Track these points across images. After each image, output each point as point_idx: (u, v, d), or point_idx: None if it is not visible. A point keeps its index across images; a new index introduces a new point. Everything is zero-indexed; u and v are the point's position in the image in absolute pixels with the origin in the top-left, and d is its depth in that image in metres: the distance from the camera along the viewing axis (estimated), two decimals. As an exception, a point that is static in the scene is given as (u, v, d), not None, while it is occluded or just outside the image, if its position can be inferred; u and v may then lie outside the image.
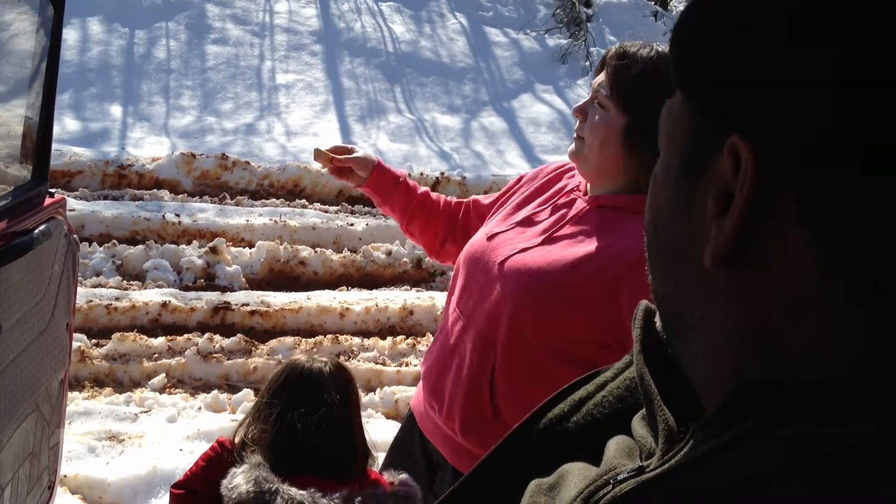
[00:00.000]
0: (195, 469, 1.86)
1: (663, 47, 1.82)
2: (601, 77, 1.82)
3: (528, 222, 1.92)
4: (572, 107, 1.94)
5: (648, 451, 0.65)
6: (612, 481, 0.62)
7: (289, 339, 4.77)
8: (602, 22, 11.68)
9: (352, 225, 6.35)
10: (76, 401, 4.00)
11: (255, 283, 5.62)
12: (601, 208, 1.84)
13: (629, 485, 0.60)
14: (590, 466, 0.71)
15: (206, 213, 6.24)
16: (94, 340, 4.58)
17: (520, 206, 2.00)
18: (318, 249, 5.94)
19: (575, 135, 1.85)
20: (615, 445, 0.69)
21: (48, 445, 2.12)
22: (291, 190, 7.19)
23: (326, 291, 5.49)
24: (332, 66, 9.61)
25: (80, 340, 4.46)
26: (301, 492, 1.67)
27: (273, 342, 4.75)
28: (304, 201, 6.94)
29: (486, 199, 2.21)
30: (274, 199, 6.87)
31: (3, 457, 1.83)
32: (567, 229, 1.84)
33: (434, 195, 2.27)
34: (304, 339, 4.82)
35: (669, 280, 0.64)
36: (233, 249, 5.80)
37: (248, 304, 5.08)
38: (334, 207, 6.90)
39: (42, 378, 2.00)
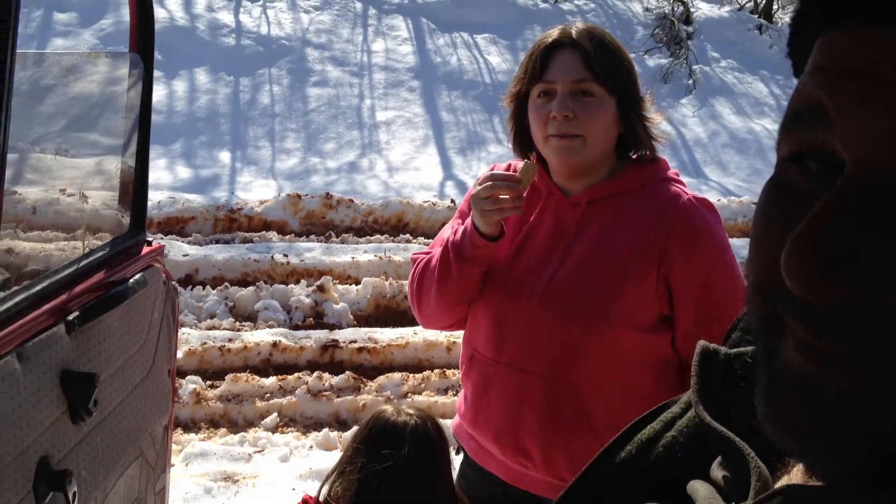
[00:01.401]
0: None
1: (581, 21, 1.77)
2: (560, 68, 1.74)
3: (527, 246, 1.84)
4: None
5: (733, 496, 0.59)
6: None
7: (396, 375, 4.76)
8: (703, 38, 11.41)
9: (456, 257, 6.34)
10: (192, 442, 4.09)
11: (363, 320, 5.66)
12: (595, 202, 1.79)
13: None
14: None
15: (312, 252, 6.34)
16: (209, 382, 4.68)
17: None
18: (423, 283, 5.93)
19: (564, 136, 1.74)
20: (704, 489, 0.63)
21: (154, 491, 2.14)
22: (395, 225, 7.25)
23: (433, 326, 5.46)
24: (431, 100, 9.71)
25: (195, 382, 4.57)
26: None
27: (381, 378, 4.75)
28: (407, 236, 6.98)
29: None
30: (378, 235, 6.94)
31: (108, 503, 1.86)
32: (578, 237, 1.79)
33: None
34: (411, 375, 4.81)
35: None
36: (339, 287, 5.86)
37: (355, 341, 5.11)
38: (438, 240, 6.90)
39: (146, 424, 2.03)
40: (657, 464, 0.69)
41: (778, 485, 0.56)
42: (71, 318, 1.66)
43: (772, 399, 0.48)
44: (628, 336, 1.75)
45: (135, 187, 2.09)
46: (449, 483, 1.83)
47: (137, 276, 1.92)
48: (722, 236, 1.77)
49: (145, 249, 2.08)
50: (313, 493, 1.86)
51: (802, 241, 0.43)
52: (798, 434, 0.46)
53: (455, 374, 4.83)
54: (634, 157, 1.84)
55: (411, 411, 1.85)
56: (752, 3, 12.32)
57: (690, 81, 10.42)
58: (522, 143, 1.89)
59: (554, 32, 1.80)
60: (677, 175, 1.87)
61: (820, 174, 0.46)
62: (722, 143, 9.64)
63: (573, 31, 1.77)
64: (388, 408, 1.87)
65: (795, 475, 0.56)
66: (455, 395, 4.70)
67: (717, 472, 0.63)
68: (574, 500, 0.73)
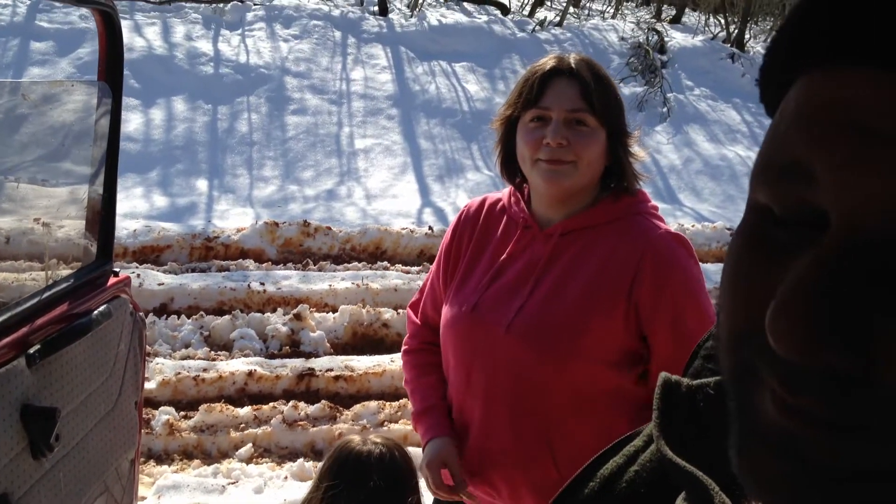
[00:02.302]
0: None
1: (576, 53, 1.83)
2: (556, 97, 1.76)
3: (499, 277, 1.85)
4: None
5: None
6: None
7: (373, 404, 4.73)
8: (678, 67, 11.54)
9: (433, 284, 6.33)
10: (165, 474, 4.03)
11: (340, 348, 5.62)
12: (567, 234, 1.80)
13: None
14: None
15: (289, 280, 6.31)
16: (182, 413, 4.63)
17: (475, 262, 1.91)
18: (400, 311, 5.92)
19: (554, 162, 1.75)
20: None
21: (120, 526, 2.10)
22: (373, 253, 7.23)
23: (410, 353, 5.43)
24: (409, 128, 9.74)
25: (168, 413, 4.51)
26: None
27: (357, 407, 4.71)
28: (385, 263, 6.96)
29: (428, 296, 2.08)
30: (356, 263, 6.91)
31: (70, 541, 1.82)
32: (549, 268, 1.80)
33: (433, 372, 2.06)
34: (388, 403, 4.77)
35: None
36: (317, 315, 5.83)
37: (332, 370, 5.07)
38: (416, 268, 6.90)
39: (111, 458, 1.99)
40: (620, 500, 0.68)
41: None
42: (32, 352, 1.63)
43: (746, 452, 0.46)
44: (593, 369, 1.75)
45: (102, 216, 2.07)
46: None
47: (102, 308, 1.90)
48: (693, 271, 1.76)
49: (112, 280, 2.06)
50: None
51: (790, 303, 0.41)
52: (776, 490, 0.45)
53: (432, 403, 4.80)
54: (614, 187, 1.85)
55: (378, 440, 1.85)
56: (724, 33, 12.48)
57: (665, 109, 10.52)
58: (509, 166, 1.90)
59: (550, 61, 1.80)
60: (656, 209, 1.87)
61: (800, 227, 0.44)
62: (696, 170, 9.72)
63: (571, 61, 1.78)
64: (355, 437, 1.87)
65: None
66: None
67: None
68: None
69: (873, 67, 0.40)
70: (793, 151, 0.43)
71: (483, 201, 1.99)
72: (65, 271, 1.95)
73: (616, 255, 1.75)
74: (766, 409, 0.44)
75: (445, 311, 1.92)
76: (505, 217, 1.91)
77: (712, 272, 5.82)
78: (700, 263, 1.84)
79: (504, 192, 1.97)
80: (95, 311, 1.85)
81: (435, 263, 2.04)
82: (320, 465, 1.87)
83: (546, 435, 1.77)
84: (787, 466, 0.43)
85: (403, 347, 2.13)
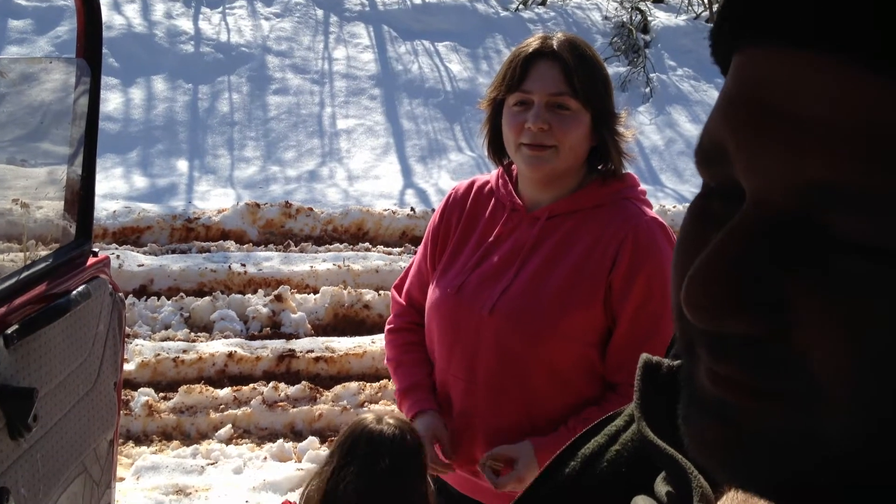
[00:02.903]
0: None
1: (562, 32, 1.82)
2: (538, 80, 1.75)
3: (485, 259, 1.86)
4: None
5: None
6: None
7: (353, 385, 4.74)
8: (661, 47, 11.54)
9: (415, 265, 6.33)
10: (144, 455, 4.03)
11: (321, 329, 5.62)
12: (554, 218, 1.81)
13: None
14: None
15: (271, 261, 6.29)
16: (161, 394, 4.62)
17: (462, 244, 1.92)
18: (381, 292, 5.92)
19: (535, 147, 1.75)
20: None
21: (99, 507, 2.11)
22: (355, 234, 7.22)
23: (391, 334, 5.44)
24: (392, 108, 9.70)
25: (147, 395, 4.50)
26: None
27: (338, 388, 4.72)
28: (367, 244, 6.95)
29: (414, 278, 2.08)
30: (338, 244, 6.90)
31: (49, 522, 1.82)
32: (534, 251, 1.81)
33: (420, 357, 2.07)
34: (368, 384, 4.78)
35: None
36: (297, 296, 5.82)
37: (312, 351, 5.07)
38: (398, 249, 6.90)
39: (89, 439, 1.99)
40: (601, 479, 0.68)
41: (721, 501, 0.56)
42: (9, 332, 1.62)
43: (688, 419, 0.48)
44: (574, 350, 1.76)
45: (80, 196, 2.05)
46: (423, 495, 1.81)
47: (81, 288, 1.89)
48: (669, 258, 1.77)
49: (91, 260, 2.04)
50: (291, 499, 1.84)
51: (700, 273, 0.42)
52: (713, 456, 0.47)
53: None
54: (602, 170, 1.85)
55: (391, 421, 1.85)
56: (707, 13, 12.48)
57: (647, 89, 10.53)
58: (497, 148, 1.90)
59: (535, 41, 1.79)
60: (644, 194, 1.87)
61: (731, 201, 0.45)
62: (678, 151, 9.75)
63: (554, 42, 1.77)
64: (369, 416, 1.87)
65: (736, 492, 0.56)
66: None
67: (660, 487, 0.62)
68: None
69: (786, 46, 0.41)
70: (713, 130, 0.45)
71: (472, 184, 1.99)
72: (43, 252, 1.94)
73: (601, 241, 1.77)
74: (701, 378, 0.46)
75: (431, 292, 1.93)
76: (493, 199, 1.92)
77: (692, 254, 5.84)
78: None
79: (492, 175, 1.97)
80: (74, 292, 1.85)
81: (422, 245, 2.05)
82: (334, 440, 1.89)
83: (527, 412, 1.80)
84: (721, 432, 0.45)
85: (387, 326, 2.13)
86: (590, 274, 1.75)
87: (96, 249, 2.11)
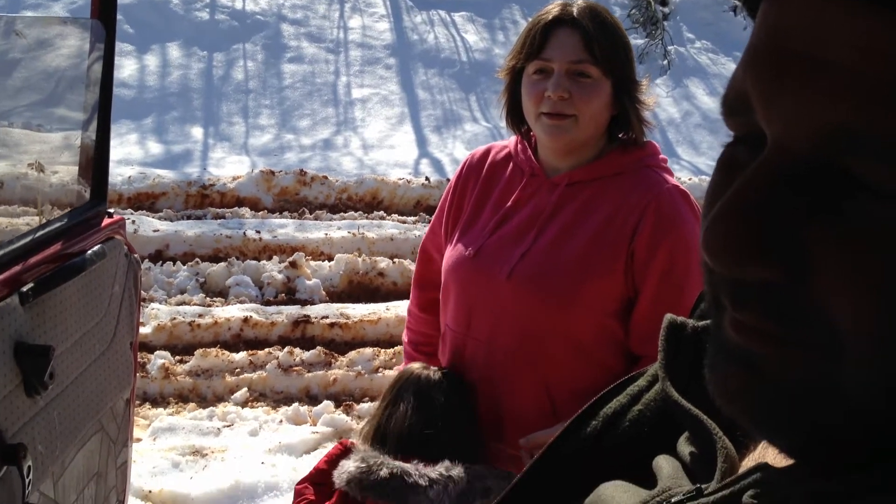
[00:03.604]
0: (318, 466, 1.89)
1: None
2: (558, 47, 1.72)
3: (503, 223, 1.85)
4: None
5: (699, 473, 0.59)
6: (665, 503, 0.55)
7: (368, 351, 4.76)
8: (679, 20, 11.41)
9: (429, 234, 6.32)
10: (161, 416, 4.07)
11: (335, 296, 5.64)
12: (574, 185, 1.79)
13: None
14: (630, 485, 0.64)
15: (285, 228, 6.31)
16: (178, 357, 4.66)
17: (479, 209, 1.91)
18: (396, 260, 5.93)
19: (555, 116, 1.73)
20: (668, 465, 0.62)
21: (115, 465, 2.12)
22: (369, 202, 7.22)
23: (405, 301, 5.44)
24: (407, 78, 9.65)
25: (164, 357, 4.54)
26: (406, 464, 1.70)
27: (352, 354, 4.74)
28: (381, 213, 6.96)
29: (433, 238, 2.09)
30: (352, 212, 6.91)
31: (66, 477, 1.84)
32: (553, 218, 1.79)
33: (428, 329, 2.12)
34: (382, 350, 4.80)
35: None
36: (312, 263, 5.84)
37: (327, 317, 5.10)
38: (412, 218, 6.89)
39: (106, 398, 2.01)
40: (623, 439, 0.68)
41: (745, 462, 0.56)
42: (25, 290, 1.63)
43: (713, 368, 0.48)
44: (593, 318, 1.76)
45: (95, 156, 2.05)
46: (474, 436, 1.84)
47: (96, 248, 1.89)
48: (693, 228, 1.75)
49: (106, 221, 2.05)
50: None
51: (719, 218, 0.42)
52: (736, 404, 0.47)
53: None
54: (623, 138, 1.83)
55: (438, 368, 1.90)
56: (728, -16, 12.32)
57: (665, 62, 10.43)
58: (515, 117, 1.88)
59: (554, 9, 1.76)
60: (665, 162, 1.86)
61: (755, 149, 0.45)
62: (694, 124, 9.67)
63: (574, 10, 1.74)
64: (416, 365, 1.93)
65: (762, 452, 0.55)
66: (426, 371, 4.70)
67: (683, 448, 0.62)
68: (538, 477, 0.72)
69: None
70: (738, 79, 0.45)
71: (488, 150, 1.98)
72: (58, 213, 1.94)
73: (622, 208, 1.75)
74: (726, 327, 0.46)
75: (448, 254, 1.92)
76: (511, 164, 1.90)
77: (708, 225, 5.81)
78: None
79: (510, 141, 1.96)
80: (89, 251, 1.85)
81: (437, 211, 2.05)
82: (382, 394, 1.94)
83: (545, 380, 1.79)
84: (744, 380, 0.45)
85: (406, 327, 2.20)
86: (610, 242, 1.74)
87: (111, 210, 2.11)
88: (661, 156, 1.86)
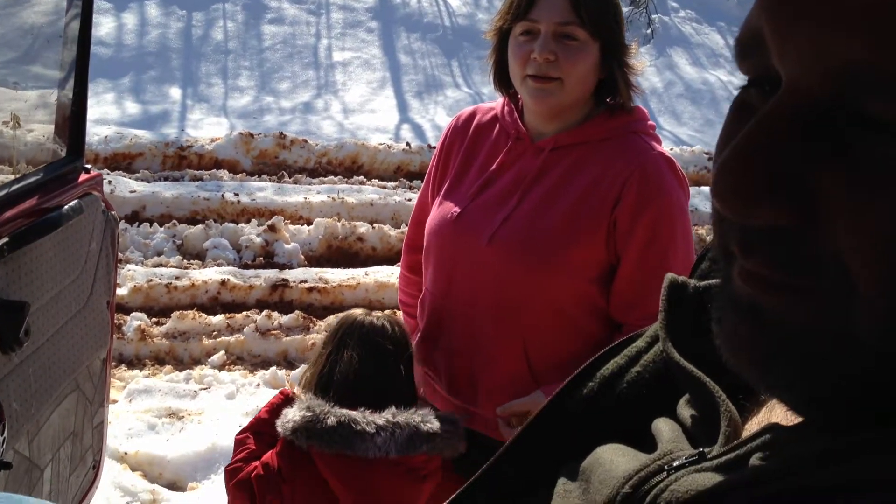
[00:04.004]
0: (259, 415, 1.87)
1: None
2: (545, 8, 1.69)
3: (487, 187, 1.83)
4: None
5: (699, 437, 0.57)
6: (666, 468, 0.53)
7: (346, 316, 4.74)
8: (664, -14, 11.35)
9: (409, 200, 6.29)
10: (137, 378, 4.04)
11: (314, 260, 5.61)
12: (559, 149, 1.77)
13: (689, 473, 0.51)
14: (628, 449, 0.63)
15: (264, 191, 6.25)
16: (154, 319, 4.62)
17: (464, 171, 1.89)
18: (375, 225, 5.90)
19: (540, 79, 1.70)
20: (668, 429, 0.60)
21: (91, 425, 2.10)
22: (349, 167, 7.16)
23: (384, 267, 5.44)
24: (389, 42, 9.55)
25: (140, 319, 4.50)
26: (353, 412, 1.70)
27: (331, 318, 4.71)
28: (361, 178, 6.90)
29: (422, 201, 2.07)
30: (332, 177, 6.85)
31: (41, 436, 1.82)
32: (537, 182, 1.77)
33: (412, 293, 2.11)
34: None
35: None
36: (291, 227, 5.79)
37: (306, 281, 5.07)
38: (392, 183, 6.85)
39: (82, 357, 1.98)
40: (620, 401, 0.67)
41: (748, 426, 0.55)
42: (0, 244, 1.60)
43: (721, 321, 0.47)
44: (574, 284, 1.74)
45: (73, 110, 2.01)
46: (411, 382, 1.85)
47: (73, 203, 1.85)
48: (677, 197, 1.73)
49: (83, 176, 2.01)
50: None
51: (729, 161, 0.41)
52: (744, 357, 0.45)
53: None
54: (610, 103, 1.80)
55: (380, 314, 1.90)
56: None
57: (649, 31, 10.39)
58: (503, 79, 1.85)
59: None
60: (653, 129, 1.83)
61: (767, 92, 0.43)
62: (677, 93, 9.66)
63: None
64: (358, 310, 1.91)
65: (766, 415, 0.54)
66: (405, 336, 4.70)
67: (683, 410, 0.61)
68: (532, 439, 0.71)
69: None
70: (752, 19, 0.44)
71: (474, 112, 1.95)
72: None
73: (606, 174, 1.72)
74: (735, 278, 0.45)
75: (432, 216, 1.90)
76: (497, 126, 1.88)
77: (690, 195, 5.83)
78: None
79: (497, 102, 1.93)
80: (66, 206, 1.81)
81: (425, 179, 2.03)
82: (322, 338, 1.94)
83: (524, 346, 1.78)
84: (749, 328, 0.44)
85: (399, 285, 2.21)
86: (593, 208, 1.72)
87: (88, 167, 2.07)
88: (649, 122, 1.83)
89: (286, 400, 1.83)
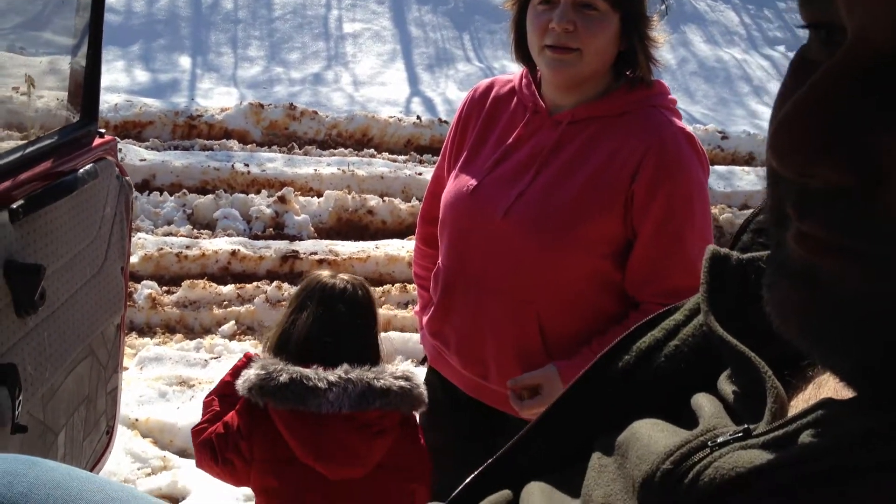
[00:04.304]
0: (223, 378, 1.92)
1: None
2: None
3: (503, 161, 1.80)
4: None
5: (742, 414, 0.55)
6: (710, 444, 0.51)
7: (356, 288, 4.72)
8: (679, -40, 11.21)
9: (420, 174, 6.26)
10: (147, 346, 4.04)
11: (324, 233, 5.59)
12: (577, 123, 1.74)
13: (734, 450, 0.49)
14: (666, 424, 0.61)
15: (274, 162, 6.22)
16: (164, 288, 4.61)
17: (480, 144, 1.86)
18: (386, 199, 5.88)
19: (558, 49, 1.67)
20: (710, 404, 0.58)
21: (105, 391, 2.10)
22: (360, 140, 7.12)
23: (395, 241, 5.42)
24: (400, 14, 9.47)
25: (151, 287, 4.50)
26: (306, 369, 1.74)
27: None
28: (372, 150, 6.87)
29: (438, 174, 2.04)
30: (342, 149, 6.82)
31: (56, 401, 1.81)
32: (553, 156, 1.74)
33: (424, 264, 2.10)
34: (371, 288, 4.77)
35: None
36: (301, 199, 5.77)
37: (316, 253, 5.06)
38: (402, 157, 6.82)
39: (96, 322, 1.97)
40: (657, 375, 0.65)
41: (794, 403, 0.53)
42: (15, 207, 1.58)
43: (772, 286, 0.45)
44: (588, 261, 1.72)
45: (87, 75, 1.98)
46: (375, 345, 1.88)
47: (88, 167, 1.83)
48: (696, 174, 1.70)
49: (97, 141, 1.99)
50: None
51: (789, 116, 0.39)
52: (796, 323, 0.44)
53: (416, 289, 4.81)
54: (630, 76, 1.77)
55: (345, 276, 1.93)
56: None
57: (663, 7, 10.27)
58: (523, 48, 1.81)
59: None
60: (674, 103, 1.79)
61: (832, 47, 0.41)
62: (690, 71, 9.57)
63: None
64: (324, 272, 1.95)
65: (813, 392, 0.52)
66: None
67: (725, 386, 0.59)
68: (564, 412, 0.69)
69: None
70: None
71: (492, 84, 1.92)
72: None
73: (623, 148, 1.69)
74: (789, 242, 0.43)
75: (448, 189, 1.88)
76: (515, 99, 1.85)
77: (701, 173, 5.80)
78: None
79: (515, 74, 1.90)
80: (81, 170, 1.79)
81: (441, 152, 2.00)
82: (289, 301, 1.97)
83: (538, 320, 1.77)
84: (806, 295, 0.43)
85: (414, 270, 2.17)
86: (609, 183, 1.69)
87: (102, 131, 2.05)
88: (670, 96, 1.80)
89: (248, 362, 1.87)
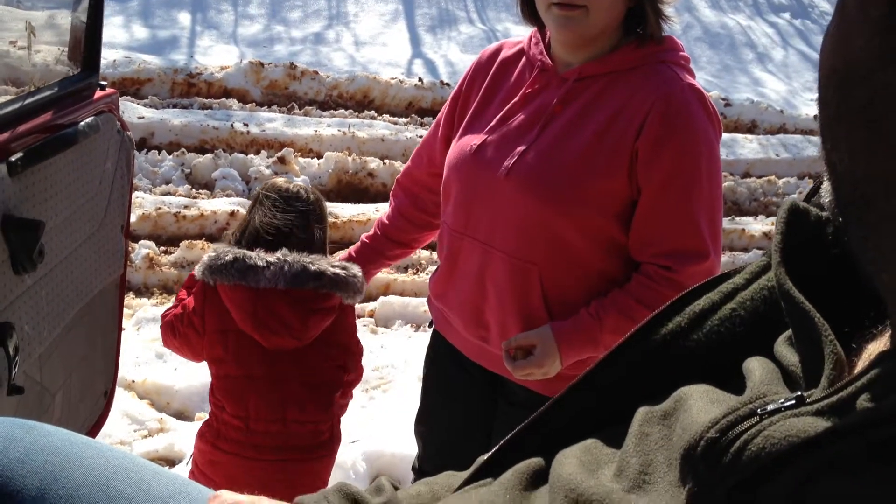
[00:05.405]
0: (191, 274, 2.05)
1: None
2: None
3: (507, 121, 1.76)
4: None
5: (800, 379, 0.51)
6: (759, 412, 0.47)
7: (356, 251, 4.68)
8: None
9: (421, 137, 6.17)
10: (145, 307, 4.00)
11: (323, 194, 5.51)
12: (583, 80, 1.70)
13: (786, 418, 0.45)
14: (716, 390, 0.57)
15: (274, 122, 6.13)
16: (162, 248, 4.56)
17: (486, 105, 1.82)
18: (386, 161, 5.80)
19: (565, 6, 1.61)
20: (761, 369, 0.54)
21: (103, 352, 2.05)
22: (360, 101, 7.03)
23: (395, 204, 5.36)
24: (403, -27, 9.32)
25: (148, 247, 4.44)
26: (249, 251, 1.93)
27: (341, 253, 4.65)
28: (373, 112, 6.78)
29: (431, 144, 2.01)
30: (342, 110, 6.72)
31: (53, 361, 1.76)
32: (558, 114, 1.70)
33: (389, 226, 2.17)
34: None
35: (862, 152, 0.45)
36: (301, 160, 5.69)
37: (315, 215, 4.99)
38: (403, 119, 6.73)
39: (95, 281, 1.92)
40: (710, 338, 0.62)
41: (858, 370, 0.48)
42: (13, 160, 1.52)
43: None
44: (593, 219, 1.68)
45: (88, 25, 1.90)
46: (322, 239, 2.06)
47: (89, 120, 1.77)
48: (704, 131, 1.65)
49: (98, 94, 1.92)
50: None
51: None
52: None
53: (416, 253, 4.76)
54: (641, 32, 1.70)
55: (299, 182, 2.15)
56: None
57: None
58: (531, 8, 1.76)
59: None
60: (687, 60, 1.73)
61: None
62: (694, 37, 9.45)
63: None
64: (280, 178, 2.18)
65: (875, 347, 0.48)
66: (414, 273, 4.64)
67: (783, 349, 0.54)
68: (613, 372, 0.66)
69: None
70: None
71: (499, 47, 1.88)
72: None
73: (630, 104, 1.64)
74: None
75: (452, 149, 1.84)
76: (523, 60, 1.80)
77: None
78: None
79: (524, 37, 1.85)
80: (82, 123, 1.73)
81: (436, 118, 1.95)
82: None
83: (540, 282, 1.73)
84: None
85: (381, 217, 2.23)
86: (614, 139, 1.64)
87: (104, 83, 1.98)
88: (682, 52, 1.74)
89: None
